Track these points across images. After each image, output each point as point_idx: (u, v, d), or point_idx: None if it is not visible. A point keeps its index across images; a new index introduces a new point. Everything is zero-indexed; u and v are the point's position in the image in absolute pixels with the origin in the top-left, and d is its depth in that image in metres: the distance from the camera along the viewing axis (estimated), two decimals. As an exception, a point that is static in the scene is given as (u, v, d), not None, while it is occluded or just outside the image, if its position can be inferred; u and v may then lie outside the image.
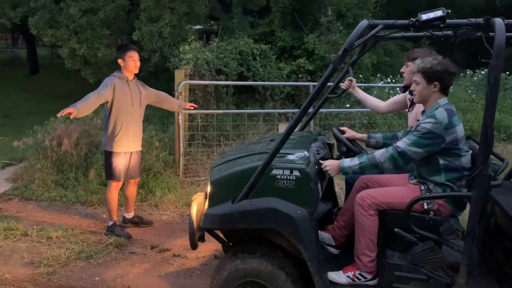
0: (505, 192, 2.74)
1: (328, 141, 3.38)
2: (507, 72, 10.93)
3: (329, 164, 2.68)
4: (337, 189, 4.12)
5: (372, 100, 3.71)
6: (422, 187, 2.65)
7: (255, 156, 2.82)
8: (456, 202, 2.61)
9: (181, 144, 5.99)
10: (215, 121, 6.88)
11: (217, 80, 7.64)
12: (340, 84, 3.69)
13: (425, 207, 2.57)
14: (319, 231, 2.85)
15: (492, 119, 2.18)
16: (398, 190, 2.71)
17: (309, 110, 2.83)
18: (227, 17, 12.57)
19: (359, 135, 3.30)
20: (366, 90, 7.89)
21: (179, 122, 5.94)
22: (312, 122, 6.09)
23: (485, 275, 2.73)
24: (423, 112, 2.76)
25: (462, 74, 11.84)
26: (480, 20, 2.29)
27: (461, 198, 2.62)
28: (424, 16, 2.29)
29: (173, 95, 5.71)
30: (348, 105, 8.93)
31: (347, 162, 2.63)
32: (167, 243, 4.27)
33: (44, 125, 6.30)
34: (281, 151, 2.53)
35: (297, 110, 8.20)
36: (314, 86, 7.13)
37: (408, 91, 3.33)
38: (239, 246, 2.87)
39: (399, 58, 12.38)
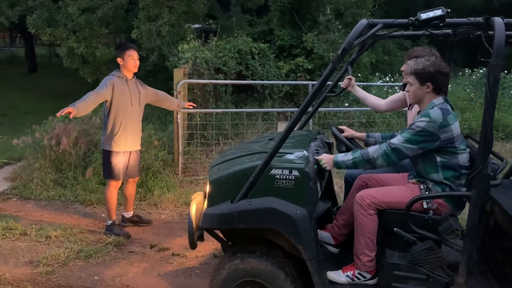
0: (505, 191, 2.74)
1: (327, 140, 3.38)
2: (505, 71, 10.94)
3: (324, 158, 2.69)
4: (336, 188, 4.11)
5: (371, 99, 3.71)
6: (422, 186, 2.65)
7: (254, 155, 2.81)
8: (456, 201, 2.61)
9: (180, 143, 5.99)
10: (214, 120, 6.88)
11: (216, 79, 7.63)
12: (339, 83, 3.69)
13: (425, 206, 2.57)
14: (318, 230, 2.85)
15: (492, 118, 2.18)
16: (398, 189, 2.71)
17: (308, 109, 2.82)
18: (225, 16, 12.57)
19: (358, 134, 3.30)
20: (365, 89, 7.88)
21: (178, 121, 5.93)
22: (310, 121, 6.09)
23: (484, 274, 2.73)
24: (419, 112, 2.76)
25: (460, 73, 11.86)
26: (480, 19, 2.28)
27: (461, 198, 2.63)
28: (424, 15, 2.29)
29: (172, 94, 5.70)
30: (346, 104, 8.93)
31: (341, 156, 2.65)
32: (166, 242, 4.26)
33: (43, 124, 6.29)
34: (280, 150, 2.52)
35: (296, 109, 8.22)
36: (313, 85, 7.20)
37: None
38: (239, 245, 2.87)
39: (398, 57, 12.39)
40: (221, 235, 2.97)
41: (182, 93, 6.01)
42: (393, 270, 2.58)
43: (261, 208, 2.52)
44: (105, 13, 10.01)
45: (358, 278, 2.69)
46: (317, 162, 2.70)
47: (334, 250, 3.08)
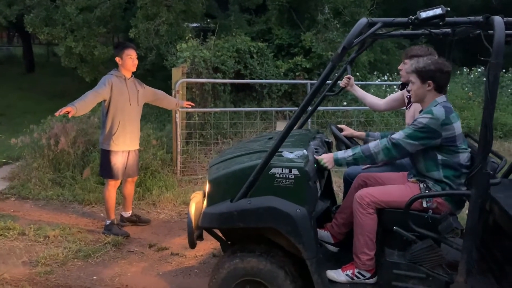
0: (504, 190, 2.75)
1: (327, 139, 3.38)
2: (504, 70, 10.96)
3: (325, 157, 2.69)
4: (335, 187, 4.12)
5: (370, 98, 3.71)
6: (421, 185, 2.65)
7: (254, 154, 2.81)
8: (455, 200, 2.61)
9: (179, 143, 5.98)
10: (213, 119, 6.87)
11: (214, 78, 7.62)
12: (338, 82, 3.68)
13: (424, 205, 2.58)
14: (317, 229, 2.85)
15: (491, 117, 2.18)
16: (397, 188, 2.71)
17: (307, 108, 2.82)
18: (224, 15, 12.55)
19: (357, 133, 3.30)
20: (363, 88, 7.87)
21: (177, 120, 5.92)
22: (309, 120, 6.09)
23: (483, 273, 2.73)
24: (421, 111, 2.76)
25: (458, 72, 11.87)
26: (479, 18, 2.29)
27: (460, 196, 2.63)
28: (423, 14, 2.29)
29: (170, 94, 5.69)
30: (345, 103, 8.93)
31: (341, 153, 2.66)
32: (165, 241, 4.26)
33: (41, 124, 6.28)
34: (279, 149, 2.52)
35: (295, 108, 8.21)
36: (311, 84, 7.20)
37: (406, 89, 3.33)
38: (238, 245, 2.86)
39: (396, 56, 12.39)
40: (220, 234, 2.97)
41: (181, 92, 6.00)
42: (393, 269, 2.58)
43: (261, 207, 2.52)
44: (103, 12, 9.99)
45: (358, 277, 2.69)
46: (317, 161, 2.70)
47: (333, 249, 3.08)
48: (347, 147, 2.96)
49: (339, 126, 3.27)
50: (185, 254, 3.99)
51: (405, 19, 2.38)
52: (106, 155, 4.21)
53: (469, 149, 2.68)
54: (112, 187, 4.31)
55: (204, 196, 2.89)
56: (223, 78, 7.92)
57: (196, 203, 2.84)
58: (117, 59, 4.21)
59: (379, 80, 10.14)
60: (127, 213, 4.61)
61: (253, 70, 8.84)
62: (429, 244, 2.48)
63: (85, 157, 5.71)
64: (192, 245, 2.79)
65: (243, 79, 8.55)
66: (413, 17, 2.33)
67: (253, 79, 8.73)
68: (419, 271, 2.52)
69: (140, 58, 4.90)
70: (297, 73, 9.61)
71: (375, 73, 10.74)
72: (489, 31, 2.32)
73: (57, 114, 3.76)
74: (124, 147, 4.24)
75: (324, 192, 3.20)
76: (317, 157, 2.71)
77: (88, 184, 5.39)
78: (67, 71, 12.63)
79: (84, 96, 3.96)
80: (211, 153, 6.48)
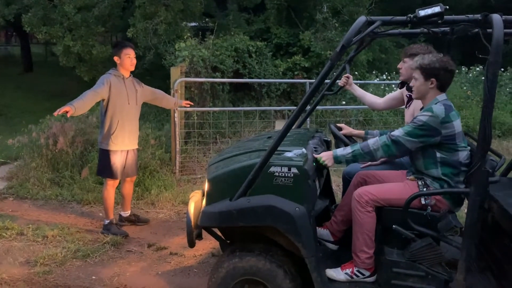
0: (502, 188, 2.75)
1: (326, 138, 3.38)
2: (502, 69, 10.97)
3: (324, 155, 2.69)
4: (334, 186, 4.12)
5: (369, 97, 3.71)
6: (420, 183, 2.65)
7: (253, 153, 2.81)
8: (454, 198, 2.61)
9: (177, 142, 5.97)
10: (211, 119, 6.87)
11: (213, 77, 7.62)
12: (337, 81, 3.68)
13: (423, 202, 2.58)
14: (317, 228, 2.85)
15: (490, 115, 2.18)
16: (396, 186, 2.71)
17: (306, 107, 2.82)
18: (222, 14, 12.55)
19: (356, 132, 3.30)
20: (362, 87, 7.90)
21: (175, 119, 5.92)
22: (308, 119, 6.09)
23: (482, 271, 2.73)
24: (421, 109, 2.76)
25: (457, 70, 11.87)
26: (478, 16, 2.28)
27: (459, 194, 2.63)
28: (422, 12, 2.28)
29: (169, 93, 5.69)
30: (343, 102, 8.93)
31: (340, 151, 2.66)
32: (164, 241, 4.25)
33: (39, 123, 6.26)
34: (278, 148, 2.52)
35: (293, 107, 8.20)
36: (310, 83, 7.19)
37: (405, 87, 3.33)
38: (237, 244, 2.87)
39: (395, 55, 12.40)
40: (219, 233, 2.97)
41: (179, 91, 6.00)
42: (392, 267, 2.58)
43: (260, 205, 2.52)
44: (101, 11, 9.98)
45: (357, 276, 2.69)
46: (316, 160, 2.70)
47: (333, 247, 3.07)
48: (346, 146, 2.96)
49: (338, 125, 3.26)
50: (184, 254, 3.98)
51: (404, 18, 2.37)
52: (104, 154, 4.20)
53: (469, 147, 2.68)
54: (110, 186, 4.31)
55: (203, 195, 2.88)
56: (222, 77, 7.92)
57: (195, 202, 2.83)
58: (116, 58, 4.21)
59: (377, 79, 10.15)
60: (126, 213, 4.60)
61: (251, 70, 8.84)
62: (428, 242, 2.48)
63: (84, 156, 5.70)
64: (191, 245, 2.78)
65: (242, 78, 8.55)
66: (412, 16, 2.33)
67: (252, 78, 8.73)
68: (418, 269, 2.52)
69: (138, 57, 4.89)
70: (295, 72, 9.62)
71: (373, 72, 10.75)
72: (487, 29, 2.32)
73: (55, 113, 3.75)
74: (123, 146, 4.23)
75: (323, 191, 3.20)
76: (316, 156, 2.71)
77: (86, 184, 5.38)
78: (65, 71, 12.61)
79: (82, 95, 3.96)
80: (210, 153, 6.48)
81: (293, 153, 2.65)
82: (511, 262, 2.49)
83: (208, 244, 4.07)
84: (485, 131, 2.18)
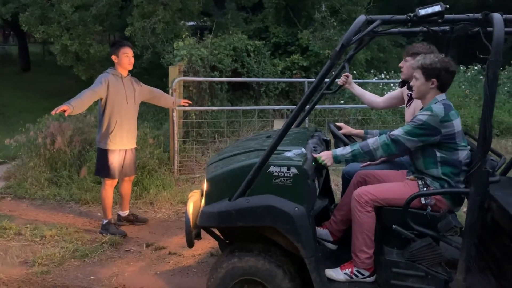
0: (502, 188, 2.74)
1: (325, 138, 3.37)
2: (500, 68, 10.98)
3: (323, 155, 2.68)
4: (333, 186, 4.11)
5: (368, 96, 3.70)
6: (420, 182, 2.64)
7: (252, 153, 2.80)
8: (454, 197, 2.61)
9: (176, 141, 5.96)
10: (210, 118, 6.85)
11: (211, 76, 7.60)
12: (336, 80, 3.67)
13: (423, 202, 2.57)
14: (316, 228, 2.84)
15: (491, 114, 2.18)
16: (396, 186, 2.70)
17: (306, 106, 2.80)
18: (220, 13, 12.51)
19: (355, 131, 3.29)
20: (360, 86, 7.87)
21: (174, 119, 5.90)
22: (307, 118, 6.08)
23: (482, 271, 2.73)
24: (421, 109, 2.75)
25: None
26: (479, 15, 2.28)
27: (459, 194, 2.62)
28: (423, 11, 2.27)
29: (167, 92, 5.68)
30: (342, 101, 8.93)
31: (340, 150, 2.65)
32: (162, 241, 4.24)
33: (37, 123, 6.24)
34: (278, 148, 2.51)
35: (292, 106, 8.18)
36: (309, 82, 7.18)
37: (406, 86, 3.32)
38: (236, 244, 2.85)
39: (393, 54, 12.41)
40: (218, 233, 2.96)
41: (178, 90, 5.98)
42: (392, 268, 2.57)
43: (259, 205, 2.51)
44: (99, 10, 9.95)
45: (357, 276, 2.68)
46: (315, 159, 2.69)
47: (332, 246, 3.07)
48: (346, 145, 2.96)
49: (337, 124, 3.25)
50: (182, 254, 3.97)
51: (404, 17, 2.36)
52: (103, 154, 4.19)
53: (469, 147, 2.67)
54: (109, 186, 4.29)
55: (202, 195, 2.87)
56: (220, 76, 7.90)
57: (194, 202, 2.82)
58: (114, 57, 4.19)
59: (376, 78, 10.15)
60: (124, 213, 4.58)
61: (250, 69, 8.82)
62: (428, 242, 2.48)
63: (82, 156, 5.68)
64: (190, 244, 2.77)
65: (240, 77, 8.53)
66: (412, 15, 2.32)
67: (250, 77, 8.71)
68: (418, 270, 2.51)
69: (136, 56, 4.87)
70: (294, 72, 9.60)
71: (372, 71, 10.74)
72: (488, 28, 2.31)
73: (53, 112, 3.74)
74: (121, 146, 4.22)
75: (323, 191, 3.19)
76: (315, 155, 2.70)
77: (85, 183, 5.36)
78: (63, 70, 12.58)
79: (80, 94, 3.94)
80: (208, 152, 6.46)
81: (292, 152, 2.64)
82: (511, 262, 2.48)
83: (207, 244, 4.06)
84: (485, 130, 2.18)
